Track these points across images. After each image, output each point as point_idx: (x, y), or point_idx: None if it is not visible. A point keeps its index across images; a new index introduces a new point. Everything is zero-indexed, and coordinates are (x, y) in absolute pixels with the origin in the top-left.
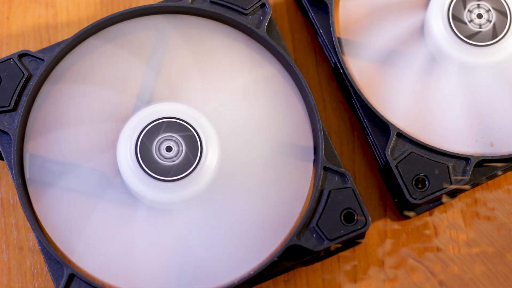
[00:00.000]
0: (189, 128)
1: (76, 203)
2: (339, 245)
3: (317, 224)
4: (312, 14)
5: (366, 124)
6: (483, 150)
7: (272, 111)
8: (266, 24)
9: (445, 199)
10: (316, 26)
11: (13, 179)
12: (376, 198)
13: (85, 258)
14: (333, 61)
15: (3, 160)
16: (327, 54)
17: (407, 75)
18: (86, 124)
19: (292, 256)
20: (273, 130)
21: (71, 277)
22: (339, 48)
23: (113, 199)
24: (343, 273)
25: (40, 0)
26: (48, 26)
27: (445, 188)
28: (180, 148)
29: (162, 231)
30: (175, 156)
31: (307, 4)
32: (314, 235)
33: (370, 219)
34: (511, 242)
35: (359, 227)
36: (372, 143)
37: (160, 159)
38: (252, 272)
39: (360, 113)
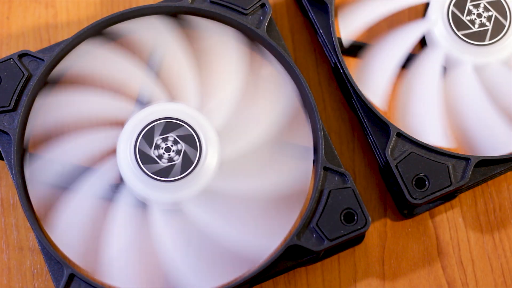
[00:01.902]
0: (188, 129)
1: (76, 203)
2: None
3: (317, 224)
4: (312, 14)
5: (366, 124)
6: (483, 150)
7: (272, 111)
8: (266, 24)
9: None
10: (316, 26)
11: (13, 179)
12: (376, 198)
13: (85, 258)
14: (333, 61)
15: (3, 160)
16: (327, 54)
17: (410, 78)
18: (86, 124)
19: (292, 256)
20: (273, 130)
21: (71, 277)
22: (339, 48)
23: (113, 199)
24: (343, 273)
25: (40, 0)
26: (48, 26)
27: (445, 188)
28: (180, 148)
29: (162, 230)
30: (175, 156)
31: (307, 4)
32: (314, 235)
33: (370, 219)
34: (511, 242)
35: (359, 227)
36: (372, 143)
37: (159, 160)
38: (252, 272)
39: (360, 113)
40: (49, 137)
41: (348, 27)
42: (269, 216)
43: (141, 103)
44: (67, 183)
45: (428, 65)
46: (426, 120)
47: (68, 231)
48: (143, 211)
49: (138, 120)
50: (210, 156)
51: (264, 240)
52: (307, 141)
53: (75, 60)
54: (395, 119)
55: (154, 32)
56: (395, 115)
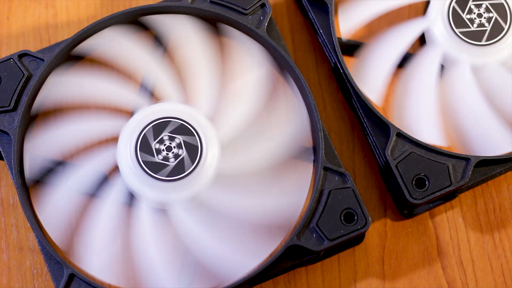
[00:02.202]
0: (189, 128)
1: (76, 203)
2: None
3: (317, 224)
4: (312, 14)
5: (366, 124)
6: (478, 150)
7: (272, 111)
8: (266, 24)
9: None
10: (316, 26)
11: (13, 179)
12: (376, 198)
13: (85, 258)
14: (333, 61)
15: (3, 160)
16: (327, 54)
17: (407, 75)
18: (86, 124)
19: (292, 256)
20: (273, 130)
21: (71, 277)
22: (339, 48)
23: (113, 198)
24: (343, 273)
25: (40, 0)
26: (48, 26)
27: (445, 188)
28: (180, 148)
29: (162, 230)
30: (175, 156)
31: (307, 4)
32: (314, 235)
33: (370, 219)
34: (511, 242)
35: (359, 227)
36: (372, 143)
37: (160, 159)
38: (252, 272)
39: (360, 113)
40: (49, 137)
41: (348, 23)
42: (250, 238)
43: (142, 103)
44: (67, 183)
45: (425, 63)
46: (422, 118)
47: (54, 213)
48: (131, 205)
49: (140, 119)
50: (210, 157)
51: (240, 260)
52: (307, 176)
53: (98, 42)
54: (392, 116)
55: (186, 32)
56: (392, 112)
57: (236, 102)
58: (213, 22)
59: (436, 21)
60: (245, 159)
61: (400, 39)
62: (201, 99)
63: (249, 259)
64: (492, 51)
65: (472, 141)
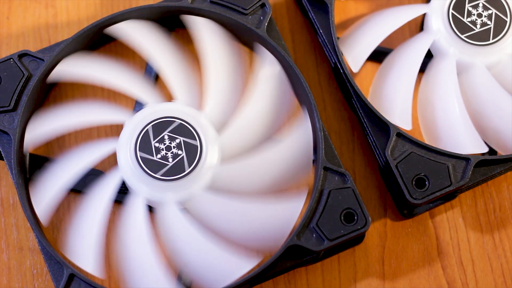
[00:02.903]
0: (188, 128)
1: (76, 203)
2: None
3: (317, 224)
4: (312, 14)
5: (366, 124)
6: (483, 150)
7: (272, 111)
8: (266, 24)
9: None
10: (316, 26)
11: (13, 179)
12: (376, 198)
13: (85, 258)
14: (333, 61)
15: (3, 160)
16: (327, 54)
17: (407, 75)
18: (86, 124)
19: (292, 256)
20: (272, 130)
21: (71, 277)
22: (339, 48)
23: (113, 198)
24: (343, 273)
25: (40, 0)
26: (48, 26)
27: (445, 188)
28: (180, 147)
29: (162, 230)
30: (175, 155)
31: (307, 4)
32: (314, 235)
33: (370, 219)
34: (511, 242)
35: (359, 227)
36: (372, 143)
37: (160, 159)
38: (252, 272)
39: (360, 113)
40: (49, 137)
41: (356, 60)
42: (268, 216)
43: (142, 102)
44: (67, 183)
45: (443, 77)
46: (458, 132)
47: (68, 230)
48: (137, 210)
49: (140, 119)
50: (210, 156)
51: (264, 240)
52: (307, 138)
53: (68, 67)
54: (427, 138)
55: (150, 35)
56: (426, 135)
57: (234, 100)
58: (249, 44)
59: (439, 32)
60: (245, 156)
61: (413, 61)
62: (212, 105)
63: (250, 258)
64: (499, 48)
65: (443, 132)
